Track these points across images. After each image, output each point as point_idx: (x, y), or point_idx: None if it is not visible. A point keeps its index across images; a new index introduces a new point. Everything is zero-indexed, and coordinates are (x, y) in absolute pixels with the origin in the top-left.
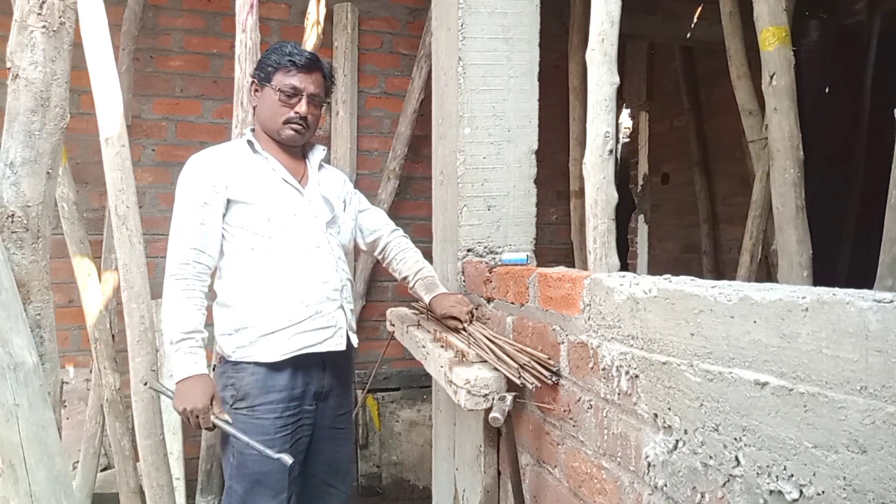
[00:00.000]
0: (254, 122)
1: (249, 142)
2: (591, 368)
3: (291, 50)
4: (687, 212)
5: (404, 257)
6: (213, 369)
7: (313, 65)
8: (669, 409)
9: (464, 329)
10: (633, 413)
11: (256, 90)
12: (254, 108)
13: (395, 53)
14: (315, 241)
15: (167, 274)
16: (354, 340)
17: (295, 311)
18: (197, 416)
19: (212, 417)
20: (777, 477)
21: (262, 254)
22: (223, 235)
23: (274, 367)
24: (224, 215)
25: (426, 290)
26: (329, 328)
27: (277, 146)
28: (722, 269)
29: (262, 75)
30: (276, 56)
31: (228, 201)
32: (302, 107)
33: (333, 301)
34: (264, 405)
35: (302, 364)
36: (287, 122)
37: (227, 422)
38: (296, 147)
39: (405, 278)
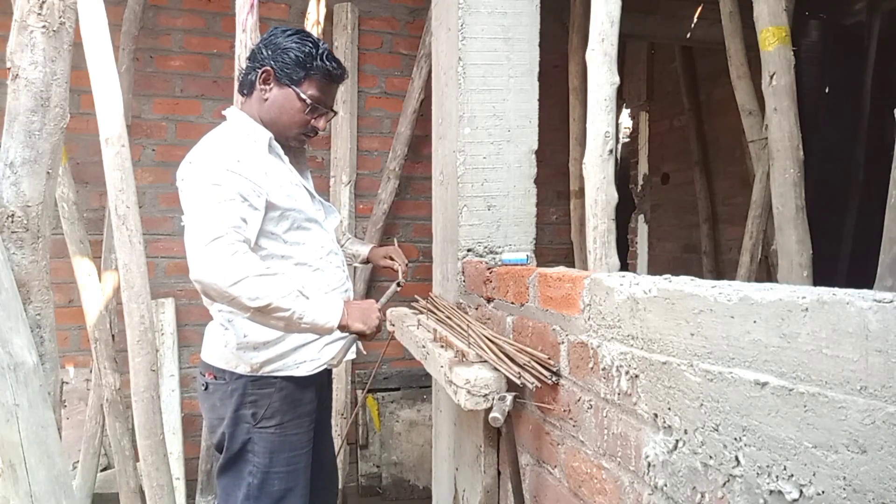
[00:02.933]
0: (248, 110)
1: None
2: (591, 368)
3: (328, 59)
4: (687, 212)
5: (347, 238)
6: (206, 388)
7: (344, 77)
8: (669, 409)
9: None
10: (633, 413)
11: (267, 80)
12: (250, 96)
13: (395, 53)
14: (333, 248)
15: (213, 255)
16: (361, 348)
17: None
18: (381, 320)
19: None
20: (777, 477)
21: (293, 262)
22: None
23: (303, 381)
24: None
25: (361, 244)
26: (350, 337)
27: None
28: (722, 269)
29: (292, 74)
30: (311, 59)
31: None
32: (322, 122)
33: None
34: (293, 421)
35: (318, 375)
36: (304, 132)
37: (385, 294)
38: None
39: (343, 245)
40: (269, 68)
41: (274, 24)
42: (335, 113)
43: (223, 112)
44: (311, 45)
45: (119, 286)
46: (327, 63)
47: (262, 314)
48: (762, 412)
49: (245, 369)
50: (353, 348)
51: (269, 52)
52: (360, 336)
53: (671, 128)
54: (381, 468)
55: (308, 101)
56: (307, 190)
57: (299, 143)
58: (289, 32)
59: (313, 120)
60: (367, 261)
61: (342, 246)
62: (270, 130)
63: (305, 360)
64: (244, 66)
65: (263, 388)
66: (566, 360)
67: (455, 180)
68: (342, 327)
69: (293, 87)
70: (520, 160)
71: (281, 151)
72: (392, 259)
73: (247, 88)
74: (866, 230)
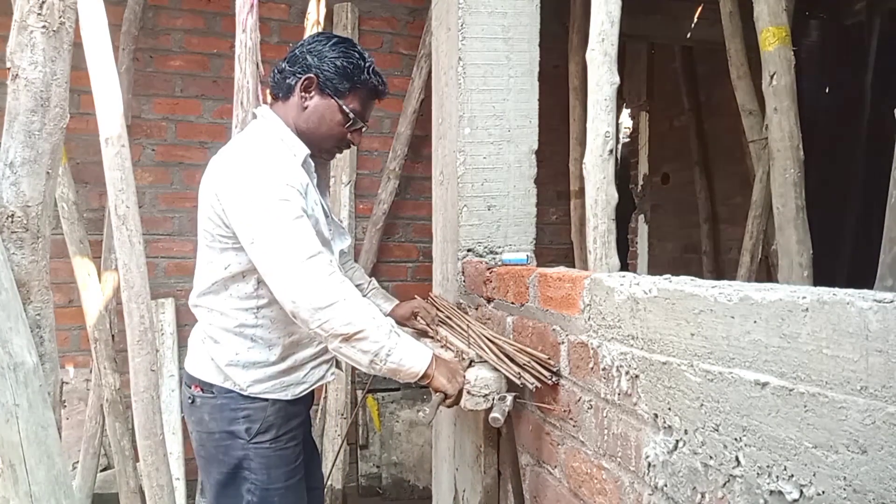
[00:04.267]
0: (282, 114)
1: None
2: (592, 368)
3: (374, 73)
4: (687, 212)
5: (353, 268)
6: (193, 402)
7: (386, 93)
8: (669, 409)
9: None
10: (634, 413)
11: (309, 88)
12: (285, 101)
13: (395, 53)
14: (339, 268)
15: (311, 274)
16: (341, 367)
17: (318, 347)
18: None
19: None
20: (777, 477)
21: None
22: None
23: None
24: None
25: (385, 299)
26: (332, 359)
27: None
28: (722, 269)
29: (338, 86)
30: (358, 71)
31: None
32: (358, 136)
33: None
34: (287, 434)
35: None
36: (338, 145)
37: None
38: None
39: (359, 286)
40: (312, 76)
41: (274, 24)
42: (368, 126)
43: (254, 111)
44: (357, 56)
45: (119, 286)
46: (373, 78)
47: (349, 342)
48: (762, 412)
49: (233, 385)
50: (332, 370)
51: (315, 60)
52: (443, 396)
53: (671, 128)
54: (381, 468)
55: (350, 114)
56: (324, 209)
57: (330, 155)
58: (334, 41)
59: (350, 134)
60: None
61: (365, 295)
62: (305, 139)
63: (292, 383)
64: (244, 67)
65: (256, 402)
66: (566, 360)
67: (455, 180)
68: (425, 376)
69: (336, 98)
70: (520, 160)
71: (312, 169)
72: (417, 318)
73: (283, 92)
74: (866, 230)
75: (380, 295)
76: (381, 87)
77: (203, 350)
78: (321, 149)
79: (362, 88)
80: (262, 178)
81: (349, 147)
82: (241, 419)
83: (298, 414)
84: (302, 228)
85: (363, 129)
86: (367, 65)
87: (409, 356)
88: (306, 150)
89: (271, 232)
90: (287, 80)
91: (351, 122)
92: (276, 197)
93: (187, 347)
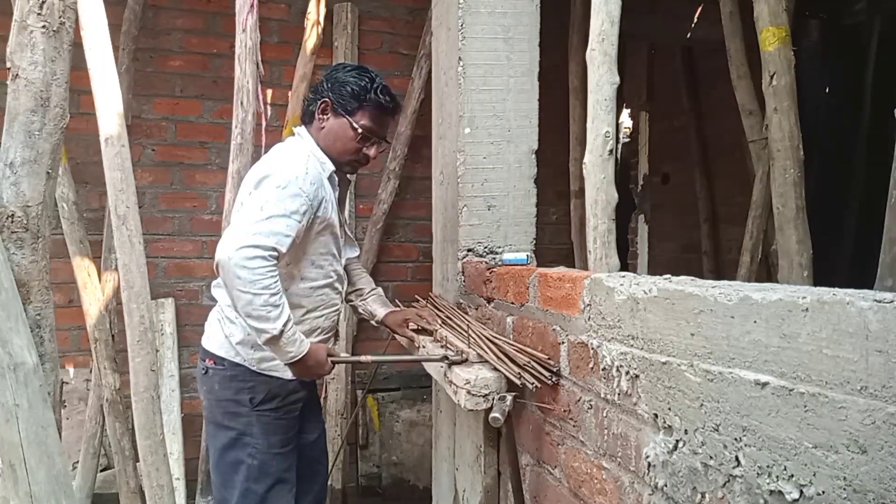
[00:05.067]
0: (313, 134)
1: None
2: (592, 368)
3: (381, 92)
4: (687, 212)
5: (360, 275)
6: (206, 372)
7: (398, 110)
8: (670, 409)
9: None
10: (634, 413)
11: (325, 111)
12: (310, 125)
13: (395, 53)
14: (343, 275)
15: (248, 247)
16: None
17: (317, 339)
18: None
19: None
20: (777, 477)
21: (311, 280)
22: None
23: None
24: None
25: (381, 304)
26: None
27: (336, 178)
28: (722, 269)
29: (346, 105)
30: (366, 91)
31: (309, 223)
32: (373, 150)
33: (335, 327)
34: (287, 406)
35: None
36: (355, 159)
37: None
38: None
39: (359, 290)
40: (327, 99)
41: (274, 24)
42: (388, 143)
43: (295, 129)
44: (367, 79)
45: (119, 286)
46: (381, 96)
47: (251, 297)
48: (762, 412)
49: (242, 360)
50: None
51: (329, 85)
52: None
53: (671, 128)
54: (381, 468)
55: (360, 130)
56: (339, 221)
57: (352, 169)
58: (349, 68)
59: (365, 148)
60: (382, 323)
61: (364, 299)
62: (326, 156)
63: None
64: (244, 67)
65: (260, 377)
66: (566, 360)
67: (455, 180)
68: (292, 364)
69: (347, 116)
70: (520, 160)
71: (335, 183)
72: (408, 326)
73: (307, 118)
74: (866, 230)
75: (378, 300)
76: (388, 104)
77: (219, 328)
78: (340, 163)
79: (370, 105)
80: (286, 176)
81: (367, 161)
82: (247, 390)
83: (297, 390)
84: (286, 222)
85: (382, 145)
86: (376, 85)
87: (292, 343)
88: (332, 167)
89: (263, 205)
90: (310, 107)
91: (361, 136)
92: (289, 193)
93: (188, 347)
